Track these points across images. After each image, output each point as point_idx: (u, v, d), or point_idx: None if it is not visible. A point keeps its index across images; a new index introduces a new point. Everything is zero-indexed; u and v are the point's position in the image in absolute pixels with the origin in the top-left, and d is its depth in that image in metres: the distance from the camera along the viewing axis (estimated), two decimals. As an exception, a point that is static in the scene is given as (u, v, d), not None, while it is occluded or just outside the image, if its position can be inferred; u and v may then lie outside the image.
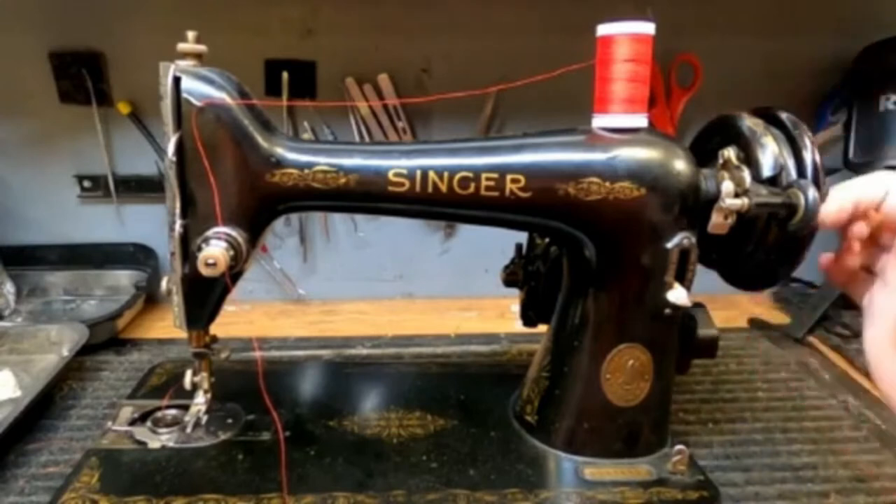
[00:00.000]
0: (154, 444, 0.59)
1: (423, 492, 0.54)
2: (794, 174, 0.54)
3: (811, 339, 0.87)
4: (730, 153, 0.53)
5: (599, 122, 0.53)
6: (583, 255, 0.56)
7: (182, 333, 0.57)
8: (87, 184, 0.93)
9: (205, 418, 0.61)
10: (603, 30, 0.52)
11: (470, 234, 0.98)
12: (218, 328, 0.59)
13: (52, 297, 0.94)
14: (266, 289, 0.98)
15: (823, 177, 0.54)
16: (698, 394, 0.72)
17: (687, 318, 0.57)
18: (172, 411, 0.62)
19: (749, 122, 0.56)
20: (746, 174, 0.52)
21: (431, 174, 0.52)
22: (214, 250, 0.51)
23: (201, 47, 0.51)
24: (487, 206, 0.53)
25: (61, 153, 0.91)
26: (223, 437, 0.60)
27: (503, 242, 0.68)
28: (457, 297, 0.99)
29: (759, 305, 0.99)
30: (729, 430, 0.66)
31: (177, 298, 0.55)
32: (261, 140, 0.52)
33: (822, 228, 0.50)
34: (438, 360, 0.80)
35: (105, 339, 0.81)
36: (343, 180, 0.52)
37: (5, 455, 0.60)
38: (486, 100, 0.90)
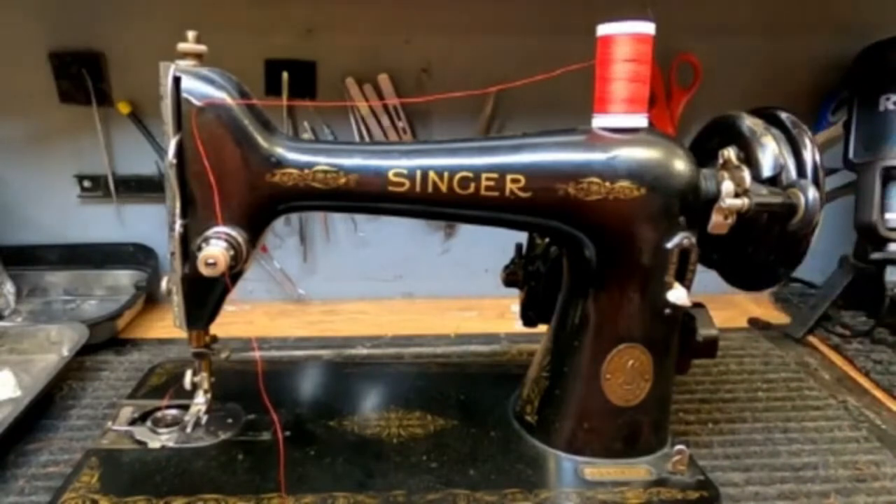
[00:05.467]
0: (154, 444, 0.58)
1: (423, 492, 0.54)
2: (794, 174, 0.54)
3: (811, 339, 0.88)
4: (730, 153, 0.53)
5: (599, 122, 0.53)
6: (583, 255, 0.56)
7: (182, 333, 0.57)
8: (87, 184, 0.93)
9: (205, 418, 0.60)
10: (603, 30, 0.52)
11: (470, 234, 0.98)
12: (218, 328, 0.59)
13: (52, 297, 0.94)
14: (266, 289, 0.98)
15: (823, 177, 0.54)
16: (698, 394, 0.72)
17: (687, 318, 0.57)
18: (172, 411, 0.62)
19: (749, 122, 0.56)
20: (746, 174, 0.52)
21: (431, 174, 0.52)
22: (214, 250, 0.51)
23: (201, 47, 0.51)
24: (487, 206, 0.53)
25: (61, 153, 0.91)
26: (223, 437, 0.60)
27: (503, 242, 0.68)
28: (457, 297, 0.99)
29: (759, 305, 0.99)
30: (729, 430, 0.66)
31: (177, 298, 0.55)
32: (261, 140, 0.52)
33: None
34: (438, 360, 0.80)
35: (105, 339, 0.81)
36: (343, 180, 0.52)
37: (5, 455, 0.60)
38: (486, 100, 0.90)
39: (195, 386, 0.60)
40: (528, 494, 0.54)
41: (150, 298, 0.92)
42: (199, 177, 0.51)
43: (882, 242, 0.84)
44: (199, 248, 0.51)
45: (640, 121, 0.53)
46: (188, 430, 0.60)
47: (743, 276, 0.61)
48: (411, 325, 0.90)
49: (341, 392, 0.69)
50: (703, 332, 0.57)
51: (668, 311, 0.54)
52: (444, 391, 0.69)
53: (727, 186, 0.51)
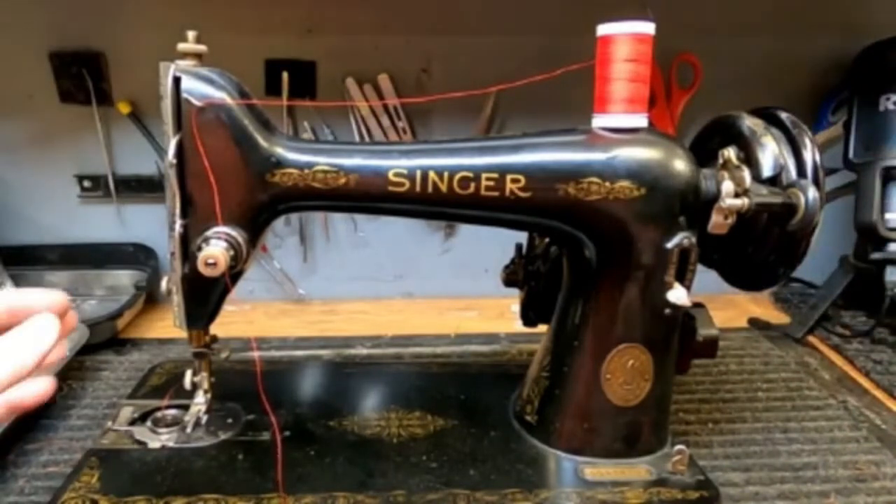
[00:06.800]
0: (154, 444, 0.58)
1: (423, 492, 0.54)
2: (794, 174, 0.54)
3: (811, 339, 0.88)
4: (730, 153, 0.53)
5: (599, 121, 0.53)
6: (583, 255, 0.56)
7: (182, 333, 0.57)
8: (87, 184, 0.93)
9: (205, 418, 0.60)
10: (603, 30, 0.52)
11: (470, 234, 0.98)
12: (218, 328, 0.59)
13: (52, 297, 0.94)
14: (266, 288, 0.98)
15: (823, 177, 0.54)
16: (698, 394, 0.72)
17: (687, 318, 0.57)
18: (172, 411, 0.62)
19: (749, 122, 0.56)
20: (746, 174, 0.52)
21: (431, 174, 0.52)
22: (214, 250, 0.51)
23: (201, 47, 0.51)
24: (487, 206, 0.53)
25: (61, 153, 0.91)
26: (223, 437, 0.60)
27: (503, 242, 0.68)
28: (457, 297, 0.99)
29: (759, 305, 0.99)
30: (729, 430, 0.66)
31: (177, 298, 0.55)
32: (261, 140, 0.52)
33: None
34: (438, 360, 0.80)
35: (105, 339, 0.81)
36: (343, 180, 0.52)
37: (5, 455, 0.60)
38: (486, 100, 0.90)
39: (195, 386, 0.60)
40: (528, 494, 0.54)
41: (150, 298, 0.92)
42: (199, 177, 0.51)
43: (882, 242, 0.84)
44: (199, 248, 0.51)
45: (640, 121, 0.53)
46: (188, 430, 0.60)
47: (743, 276, 0.61)
48: (411, 325, 0.90)
49: (341, 392, 0.69)
50: (703, 332, 0.57)
51: (668, 311, 0.54)
52: (444, 391, 0.69)
53: (727, 186, 0.51)
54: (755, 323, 0.92)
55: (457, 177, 0.52)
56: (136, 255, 0.94)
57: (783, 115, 0.57)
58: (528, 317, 0.68)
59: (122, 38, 0.86)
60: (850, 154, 0.88)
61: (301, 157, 0.52)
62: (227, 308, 0.58)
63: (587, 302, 0.57)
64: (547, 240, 0.65)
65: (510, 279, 0.68)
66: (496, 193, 0.52)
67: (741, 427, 0.67)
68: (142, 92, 0.88)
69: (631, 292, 0.55)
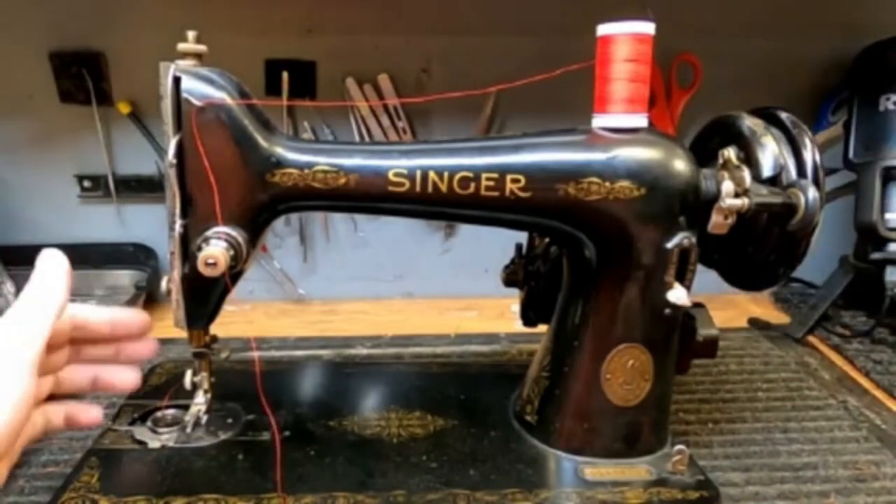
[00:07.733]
0: (154, 443, 0.58)
1: (423, 492, 0.54)
2: (794, 174, 0.54)
3: (811, 339, 0.88)
4: (730, 153, 0.53)
5: (599, 121, 0.53)
6: (583, 255, 0.56)
7: (182, 333, 0.57)
8: (87, 184, 0.93)
9: (205, 418, 0.60)
10: (603, 30, 0.52)
11: (470, 234, 0.98)
12: (218, 328, 0.59)
13: (52, 297, 0.94)
14: (266, 288, 0.98)
15: (823, 177, 0.54)
16: (698, 394, 0.72)
17: (687, 318, 0.57)
18: (172, 411, 0.62)
19: (749, 122, 0.57)
20: (746, 174, 0.52)
21: (431, 174, 0.52)
22: (214, 250, 0.51)
23: (201, 47, 0.51)
24: (487, 206, 0.53)
25: (61, 153, 0.91)
26: (223, 437, 0.60)
27: (503, 242, 0.68)
28: (457, 297, 0.99)
29: (759, 305, 0.99)
30: (729, 430, 0.66)
31: (177, 298, 0.55)
32: (261, 140, 0.52)
33: None
34: (438, 360, 0.80)
35: (105, 339, 0.81)
36: (343, 180, 0.52)
37: (5, 455, 0.59)
38: (486, 100, 0.90)
39: (195, 386, 0.60)
40: (528, 494, 0.54)
41: (150, 298, 0.92)
42: (199, 177, 0.51)
43: (882, 242, 0.84)
44: (199, 248, 0.51)
45: (640, 121, 0.53)
46: (188, 430, 0.60)
47: (743, 276, 0.61)
48: (411, 325, 0.90)
49: (341, 392, 0.69)
50: (703, 332, 0.57)
51: (668, 311, 0.54)
52: (444, 391, 0.69)
53: (727, 186, 0.51)
54: (755, 323, 0.92)
55: (457, 177, 0.52)
56: (136, 255, 0.94)
57: (783, 115, 0.57)
58: (528, 317, 0.68)
59: (122, 38, 0.86)
60: (850, 154, 0.88)
61: (301, 157, 0.52)
62: (227, 308, 0.58)
63: (587, 302, 0.57)
64: (547, 240, 0.65)
65: (510, 279, 0.68)
66: (496, 193, 0.52)
67: (741, 427, 0.67)
68: (142, 92, 0.88)
69: (631, 292, 0.55)
